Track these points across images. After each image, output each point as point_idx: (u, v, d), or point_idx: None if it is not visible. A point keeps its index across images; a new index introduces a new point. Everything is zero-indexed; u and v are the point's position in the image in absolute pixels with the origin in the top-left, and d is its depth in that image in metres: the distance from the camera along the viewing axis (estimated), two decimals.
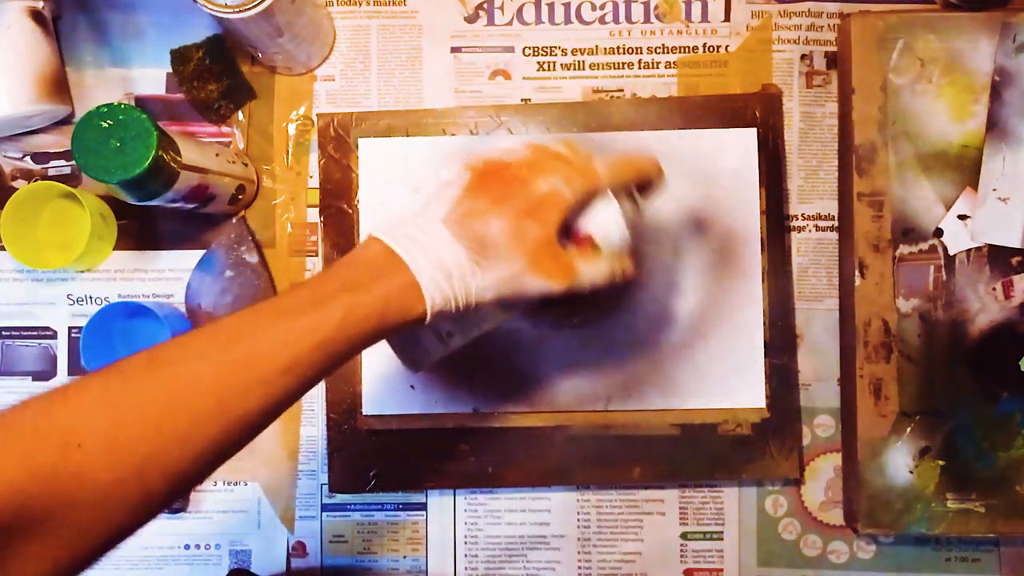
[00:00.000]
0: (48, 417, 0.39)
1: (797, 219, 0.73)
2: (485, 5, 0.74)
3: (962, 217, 0.68)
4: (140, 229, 0.73)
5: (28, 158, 0.73)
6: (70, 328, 0.73)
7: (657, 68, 0.74)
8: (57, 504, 0.38)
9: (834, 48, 0.73)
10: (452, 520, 0.72)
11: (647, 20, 0.74)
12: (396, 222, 0.49)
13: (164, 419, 0.41)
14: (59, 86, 0.71)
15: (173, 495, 0.43)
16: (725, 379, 0.69)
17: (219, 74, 0.72)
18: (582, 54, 0.74)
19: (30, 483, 0.37)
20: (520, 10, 0.74)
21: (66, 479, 0.38)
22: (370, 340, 0.46)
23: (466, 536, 0.72)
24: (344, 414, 0.70)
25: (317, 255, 0.73)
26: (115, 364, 0.42)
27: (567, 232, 0.52)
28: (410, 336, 0.54)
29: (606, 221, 0.53)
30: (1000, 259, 0.68)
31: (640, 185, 0.55)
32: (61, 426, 0.39)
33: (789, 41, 0.73)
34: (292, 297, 0.46)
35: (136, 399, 0.41)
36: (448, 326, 0.54)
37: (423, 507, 0.72)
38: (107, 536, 0.41)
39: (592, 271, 0.52)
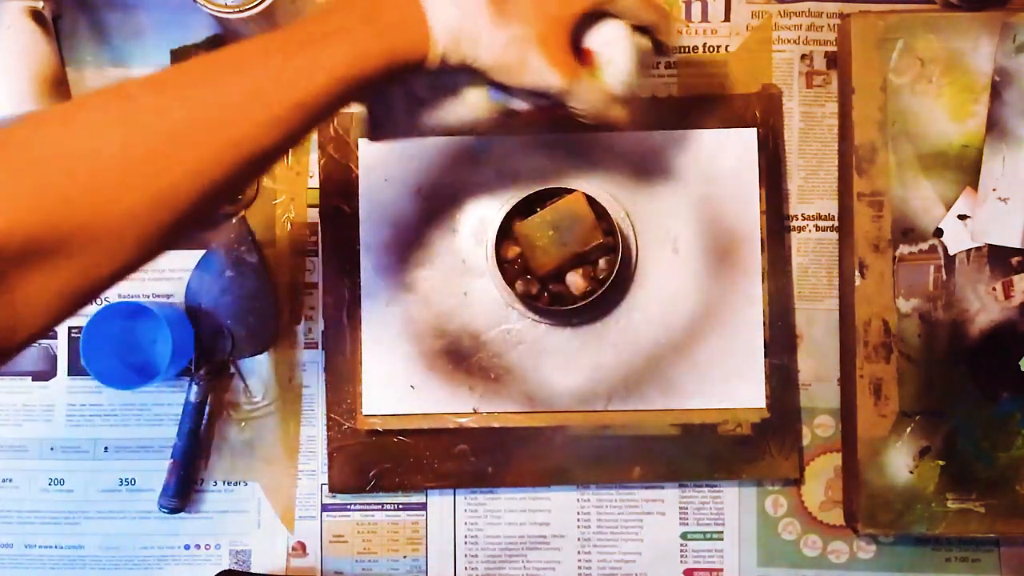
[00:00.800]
0: (58, 142, 0.38)
1: (797, 219, 0.73)
2: None
3: (962, 217, 0.68)
4: None
5: None
6: (70, 328, 0.73)
7: (657, 68, 0.74)
8: (67, 234, 0.37)
9: (834, 48, 0.73)
10: (452, 520, 0.72)
11: None
12: None
13: (176, 152, 0.39)
14: (59, 86, 0.71)
15: (181, 230, 0.41)
16: (725, 379, 0.69)
17: None
18: None
19: (41, 212, 0.36)
20: None
21: (78, 209, 0.37)
22: (377, 78, 0.45)
23: (466, 536, 0.72)
24: (344, 414, 0.70)
25: (317, 255, 0.73)
26: (119, 88, 0.40)
27: (576, 44, 0.51)
28: (389, 93, 0.51)
29: (615, 46, 0.52)
30: (1000, 259, 0.68)
31: (655, 37, 0.55)
32: (73, 152, 0.37)
33: (789, 41, 0.73)
34: (302, 29, 0.44)
35: (148, 128, 0.39)
36: (425, 88, 0.51)
37: (423, 507, 0.72)
38: (114, 268, 0.40)
39: (590, 90, 0.51)
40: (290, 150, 0.44)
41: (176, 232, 0.41)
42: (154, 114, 0.40)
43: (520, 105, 0.53)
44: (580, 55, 0.52)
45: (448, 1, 0.46)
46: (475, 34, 0.47)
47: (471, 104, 0.53)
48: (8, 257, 0.35)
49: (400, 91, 0.52)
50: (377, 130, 0.54)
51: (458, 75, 0.50)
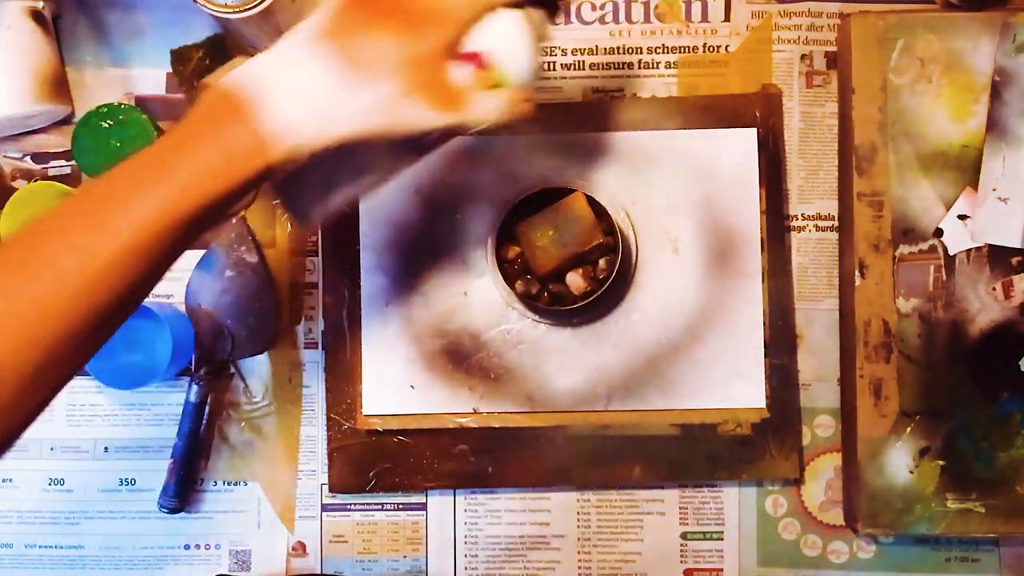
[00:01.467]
0: None
1: (797, 219, 0.73)
2: None
3: (962, 217, 0.68)
4: None
5: (28, 158, 0.73)
6: None
7: (657, 68, 0.74)
8: None
9: (834, 48, 0.73)
10: (452, 520, 0.72)
11: (647, 20, 0.74)
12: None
13: (21, 325, 0.38)
14: (59, 86, 0.71)
15: (55, 385, 0.40)
16: (725, 379, 0.69)
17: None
18: (582, 54, 0.74)
19: None
20: None
21: None
22: (228, 196, 0.41)
23: (466, 536, 0.72)
24: (344, 414, 0.70)
25: (317, 255, 0.73)
26: None
27: (456, 54, 0.46)
28: (294, 182, 0.48)
29: (511, 38, 0.48)
30: (1000, 259, 0.68)
31: (544, 3, 0.50)
32: None
33: (789, 41, 0.73)
34: (122, 174, 0.41)
35: None
36: (328, 171, 0.49)
37: (423, 507, 0.72)
38: None
39: (486, 105, 0.46)
40: (148, 289, 0.43)
41: (51, 385, 0.40)
42: None
43: (426, 144, 0.51)
44: (473, 60, 0.47)
45: (285, 92, 0.41)
46: (331, 113, 0.42)
47: (379, 163, 0.51)
48: None
49: (311, 176, 0.49)
50: (302, 216, 0.51)
51: (351, 146, 0.45)
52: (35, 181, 0.72)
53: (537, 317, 0.70)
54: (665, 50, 0.74)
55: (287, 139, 0.41)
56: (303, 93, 0.41)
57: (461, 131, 0.47)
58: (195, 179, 0.40)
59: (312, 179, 0.49)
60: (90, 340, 0.40)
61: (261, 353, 0.72)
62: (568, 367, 0.70)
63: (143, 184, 0.40)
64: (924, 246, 0.68)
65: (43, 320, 0.39)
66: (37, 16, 0.69)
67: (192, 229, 0.41)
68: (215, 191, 0.40)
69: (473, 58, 0.47)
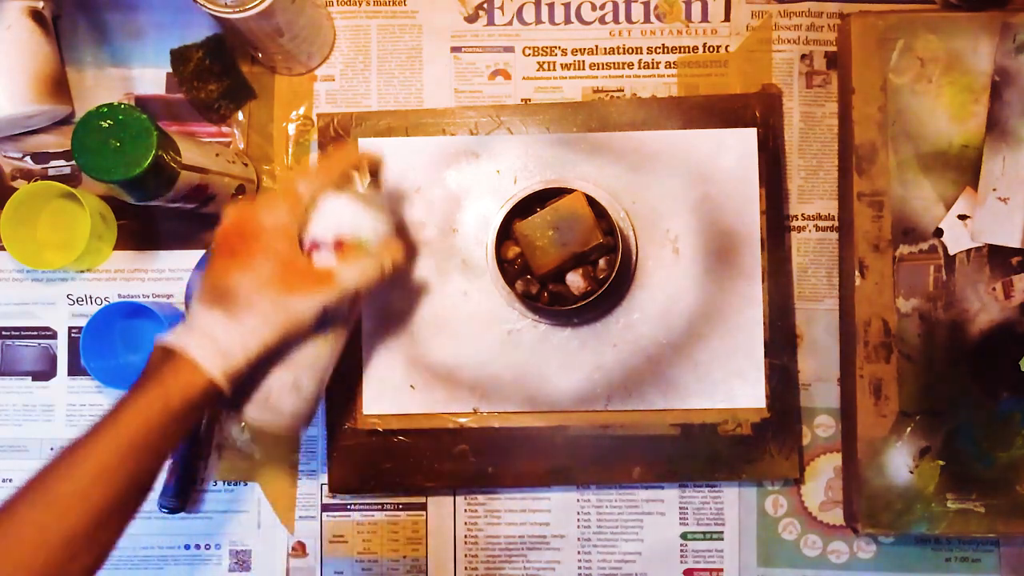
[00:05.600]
0: None
1: (797, 219, 0.73)
2: (485, 5, 0.74)
3: (962, 217, 0.68)
4: (140, 229, 0.73)
5: (28, 158, 0.73)
6: (70, 328, 0.73)
7: (657, 68, 0.74)
8: None
9: (834, 48, 0.73)
10: (452, 520, 0.72)
11: (647, 20, 0.74)
12: None
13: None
14: (59, 86, 0.71)
15: None
16: (725, 379, 0.69)
17: (219, 74, 0.72)
18: (582, 54, 0.74)
19: None
20: (520, 10, 0.74)
21: None
22: (167, 423, 0.50)
23: (466, 536, 0.72)
24: (344, 414, 0.70)
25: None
26: None
27: (313, 247, 0.56)
28: (267, 406, 0.57)
29: (349, 220, 0.57)
30: (1000, 259, 0.68)
31: (366, 171, 0.60)
32: None
33: (789, 41, 0.73)
34: (92, 426, 0.50)
35: None
36: (283, 377, 0.57)
37: (423, 507, 0.72)
38: None
39: (358, 270, 0.56)
40: (126, 511, 0.51)
41: None
42: None
43: (342, 315, 0.58)
44: (332, 248, 0.57)
45: (198, 334, 0.52)
46: (236, 339, 0.52)
47: (319, 352, 0.58)
48: None
49: (273, 391, 0.57)
50: (292, 428, 0.59)
51: (280, 354, 0.56)
52: (35, 181, 0.72)
53: (537, 317, 0.70)
54: (665, 50, 0.74)
55: (211, 367, 0.51)
56: (207, 331, 0.53)
57: (348, 297, 0.56)
58: (143, 406, 0.50)
59: (278, 387, 0.57)
60: (91, 542, 0.48)
61: None
62: (568, 367, 0.70)
63: (106, 418, 0.50)
64: (924, 246, 0.68)
65: (51, 522, 0.48)
66: (37, 16, 0.69)
67: (153, 448, 0.51)
68: (163, 413, 0.50)
69: (332, 246, 0.56)
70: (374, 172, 0.61)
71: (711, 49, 0.73)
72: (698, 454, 0.70)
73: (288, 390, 0.57)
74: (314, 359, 0.58)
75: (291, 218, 0.55)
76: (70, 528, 0.47)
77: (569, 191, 0.67)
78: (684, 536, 0.72)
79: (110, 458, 0.49)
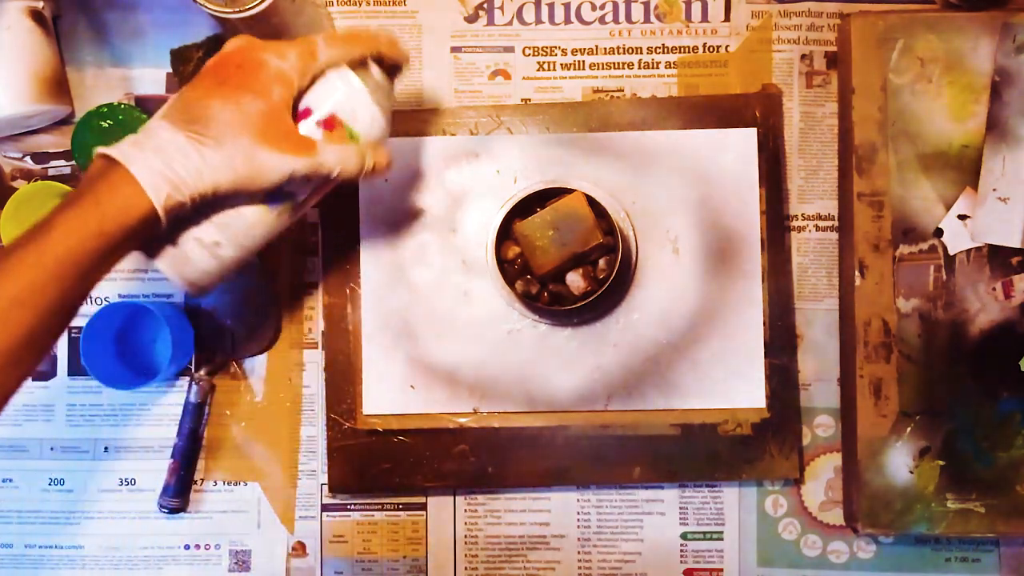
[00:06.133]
0: None
1: (797, 219, 0.73)
2: (485, 5, 0.74)
3: (962, 217, 0.68)
4: None
5: (28, 158, 0.73)
6: (70, 328, 0.73)
7: (657, 68, 0.74)
8: None
9: (834, 48, 0.73)
10: (452, 520, 0.72)
11: (647, 20, 0.74)
12: None
13: None
14: (59, 86, 0.71)
15: None
16: (725, 379, 0.69)
17: None
18: (582, 54, 0.74)
19: None
20: (520, 10, 0.74)
21: None
22: (101, 249, 0.46)
23: (466, 536, 0.72)
24: (344, 414, 0.70)
25: (317, 255, 0.73)
26: None
27: (304, 114, 0.53)
28: (178, 254, 0.52)
29: (349, 99, 0.53)
30: (1000, 259, 0.68)
31: (384, 64, 0.56)
32: None
33: (789, 41, 0.73)
34: (17, 239, 0.46)
35: None
36: (210, 233, 0.52)
37: (423, 507, 0.72)
38: None
39: (339, 154, 0.52)
40: (48, 337, 0.47)
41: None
42: None
43: (297, 197, 0.54)
44: (322, 122, 0.53)
45: (151, 154, 0.47)
46: (193, 168, 0.47)
47: (257, 222, 0.53)
48: None
49: (192, 242, 0.52)
50: (192, 285, 0.54)
51: (223, 204, 0.51)
52: (35, 181, 0.72)
53: (537, 317, 0.70)
54: (665, 50, 0.74)
55: (158, 191, 0.46)
56: (163, 151, 0.47)
57: (318, 178, 0.52)
58: (77, 227, 0.45)
59: (190, 242, 0.52)
60: (7, 367, 0.45)
61: (261, 353, 0.72)
62: (568, 367, 0.70)
63: (35, 235, 0.45)
64: (924, 246, 0.68)
65: None
66: (37, 16, 0.69)
67: (83, 274, 0.46)
68: (97, 237, 0.45)
69: (323, 120, 0.53)
70: (395, 70, 0.58)
71: (711, 49, 0.73)
72: (698, 454, 0.70)
73: (207, 248, 0.52)
74: (248, 227, 0.53)
75: (297, 70, 0.51)
76: None
77: (569, 191, 0.67)
78: (684, 536, 0.72)
79: (34, 279, 0.44)
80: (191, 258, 0.52)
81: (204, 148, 0.48)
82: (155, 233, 0.49)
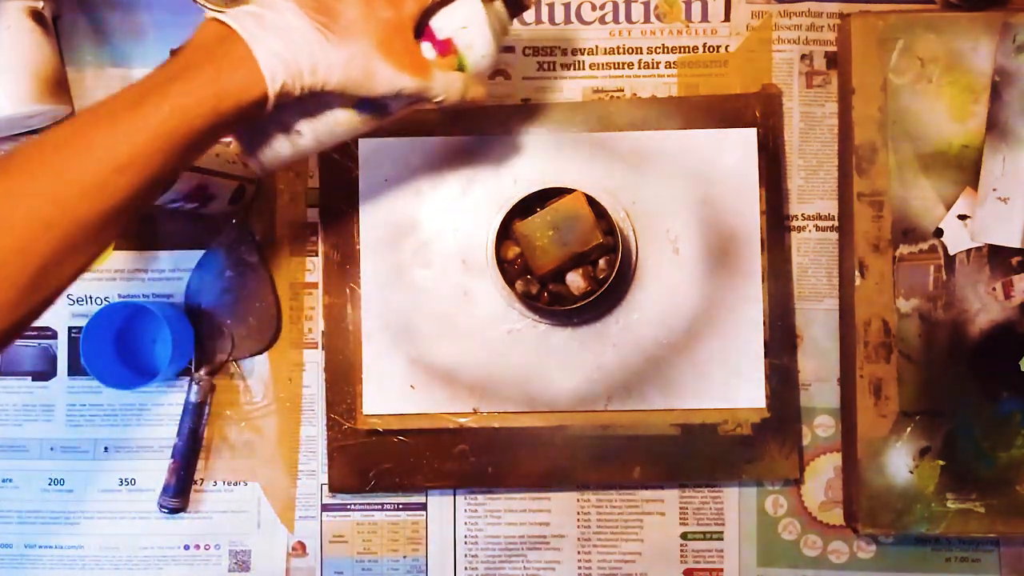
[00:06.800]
0: None
1: (797, 219, 0.73)
2: None
3: (962, 217, 0.68)
4: (140, 229, 0.73)
5: None
6: (70, 328, 0.73)
7: (657, 68, 0.74)
8: None
9: (834, 48, 0.73)
10: (452, 520, 0.72)
11: (647, 20, 0.74)
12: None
13: (5, 232, 0.40)
14: (59, 86, 0.71)
15: (19, 306, 0.42)
16: (725, 379, 0.69)
17: None
18: (582, 54, 0.74)
19: None
20: None
21: None
22: (216, 126, 0.44)
23: (466, 536, 0.72)
24: (344, 414, 0.70)
25: (317, 255, 0.73)
26: None
27: (424, 33, 0.52)
28: (258, 130, 0.52)
29: (471, 27, 0.53)
30: (1000, 259, 0.68)
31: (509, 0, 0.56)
32: None
33: (789, 41, 0.73)
34: (121, 95, 0.44)
35: None
36: (296, 120, 0.52)
37: (423, 507, 0.72)
38: None
39: (447, 81, 0.52)
40: (142, 205, 0.45)
41: (16, 305, 0.42)
42: None
43: (390, 110, 0.54)
44: (438, 44, 0.53)
45: (273, 36, 0.45)
46: (311, 61, 0.46)
47: (343, 122, 0.53)
48: None
49: (276, 125, 0.52)
50: (263, 164, 0.54)
51: (320, 99, 0.50)
52: None
53: (537, 317, 0.70)
54: (665, 50, 0.74)
55: (275, 78, 0.45)
56: (288, 41, 0.45)
57: (421, 101, 0.52)
58: (193, 102, 0.43)
59: (274, 124, 0.52)
60: (98, 234, 0.43)
61: (261, 353, 0.72)
62: (568, 367, 0.70)
63: (147, 102, 0.43)
64: (924, 246, 0.68)
65: (58, 211, 0.41)
66: (37, 16, 0.69)
67: (189, 148, 0.44)
68: (211, 115, 0.44)
69: (439, 43, 0.53)
70: (518, 8, 0.57)
71: (711, 49, 0.73)
72: (698, 454, 0.70)
73: (289, 135, 0.52)
74: (333, 125, 0.53)
75: None
76: (82, 216, 0.41)
77: (569, 191, 0.67)
78: (684, 536, 0.72)
79: (143, 147, 0.42)
80: (271, 141, 0.52)
81: (327, 43, 0.46)
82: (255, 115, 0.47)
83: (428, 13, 0.52)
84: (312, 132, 0.53)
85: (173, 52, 0.72)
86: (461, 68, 0.55)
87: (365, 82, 0.48)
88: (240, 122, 0.46)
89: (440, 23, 0.53)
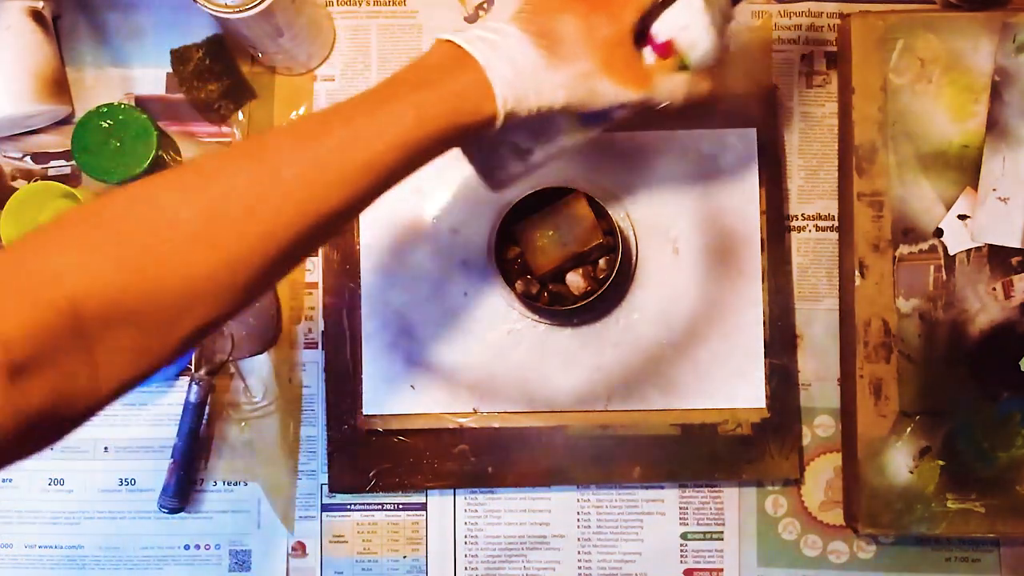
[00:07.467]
0: (142, 217, 0.40)
1: (797, 219, 0.73)
2: (485, 5, 0.74)
3: (962, 217, 0.68)
4: None
5: (28, 158, 0.73)
6: None
7: None
8: (147, 298, 0.38)
9: (834, 48, 0.73)
10: (452, 520, 0.72)
11: None
12: (463, 29, 0.48)
13: (251, 216, 0.41)
14: (59, 86, 0.71)
15: (256, 290, 0.43)
16: (725, 379, 0.69)
17: (219, 74, 0.72)
18: None
19: (122, 277, 0.38)
20: None
21: (153, 273, 0.39)
22: (445, 141, 0.45)
23: (466, 536, 0.72)
24: (344, 414, 0.70)
25: (317, 255, 0.73)
26: (190, 162, 0.41)
27: (645, 39, 0.51)
28: (489, 149, 0.53)
29: (692, 27, 0.51)
30: (1000, 259, 0.68)
31: None
32: (155, 226, 0.39)
33: (789, 41, 0.73)
34: (361, 100, 0.45)
35: (224, 196, 0.41)
36: (525, 139, 0.52)
37: (423, 507, 0.72)
38: (194, 328, 0.41)
39: (670, 84, 0.51)
40: (360, 211, 0.46)
41: (251, 292, 0.42)
42: (226, 187, 0.41)
43: (613, 117, 0.53)
44: (659, 48, 0.51)
45: (503, 62, 0.46)
46: (536, 85, 0.47)
47: (568, 136, 0.53)
48: (91, 318, 0.37)
49: (506, 145, 0.53)
50: (495, 181, 0.55)
51: (545, 118, 0.49)
52: (35, 181, 0.72)
53: (537, 317, 0.70)
54: None
55: (505, 101, 0.45)
56: (515, 62, 0.46)
57: (646, 108, 0.51)
58: (431, 115, 0.44)
59: (503, 145, 0.52)
60: (312, 242, 0.44)
61: (261, 353, 0.72)
62: (568, 367, 0.70)
63: (386, 111, 0.44)
64: (924, 246, 0.68)
65: (307, 197, 0.42)
66: (37, 16, 0.69)
67: (420, 158, 0.45)
68: (447, 129, 0.45)
69: (660, 46, 0.51)
70: None
71: None
72: (698, 454, 0.70)
73: (520, 153, 0.52)
74: (560, 139, 0.53)
75: None
76: (325, 209, 0.42)
77: (569, 191, 0.67)
78: (684, 536, 0.72)
79: (383, 154, 0.43)
80: (503, 162, 0.53)
81: (549, 66, 0.47)
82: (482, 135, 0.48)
83: (647, 18, 0.51)
84: (540, 149, 0.53)
85: (174, 52, 0.72)
86: (684, 66, 0.52)
87: (589, 100, 0.48)
88: (467, 139, 0.48)
89: (660, 26, 0.51)
